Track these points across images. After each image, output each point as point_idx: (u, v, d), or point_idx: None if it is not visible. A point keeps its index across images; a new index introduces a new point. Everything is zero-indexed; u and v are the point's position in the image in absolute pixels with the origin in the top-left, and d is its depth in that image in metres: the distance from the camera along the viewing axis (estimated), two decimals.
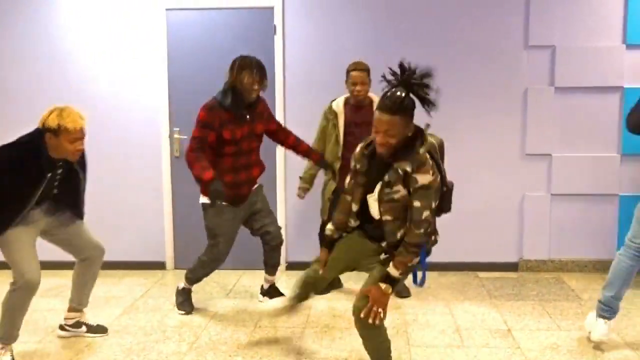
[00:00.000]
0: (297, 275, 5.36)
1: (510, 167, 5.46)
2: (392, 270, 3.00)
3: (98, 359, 3.81)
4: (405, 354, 3.81)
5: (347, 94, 4.76)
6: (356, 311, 3.03)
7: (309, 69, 5.52)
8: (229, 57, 5.41)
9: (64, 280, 5.31)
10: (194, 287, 4.65)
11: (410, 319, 4.40)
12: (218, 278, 5.39)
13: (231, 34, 5.52)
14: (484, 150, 5.46)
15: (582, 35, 5.32)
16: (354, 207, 3.22)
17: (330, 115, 4.77)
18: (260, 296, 4.79)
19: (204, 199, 4.30)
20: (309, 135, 4.95)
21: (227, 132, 4.16)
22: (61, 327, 4.19)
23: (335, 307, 4.68)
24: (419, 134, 2.98)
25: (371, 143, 3.08)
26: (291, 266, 5.64)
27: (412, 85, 2.89)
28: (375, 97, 4.73)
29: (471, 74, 5.42)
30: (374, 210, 3.09)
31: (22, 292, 3.62)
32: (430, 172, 2.91)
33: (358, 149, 3.17)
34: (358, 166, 3.14)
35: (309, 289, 3.51)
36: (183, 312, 4.54)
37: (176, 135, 5.58)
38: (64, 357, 3.82)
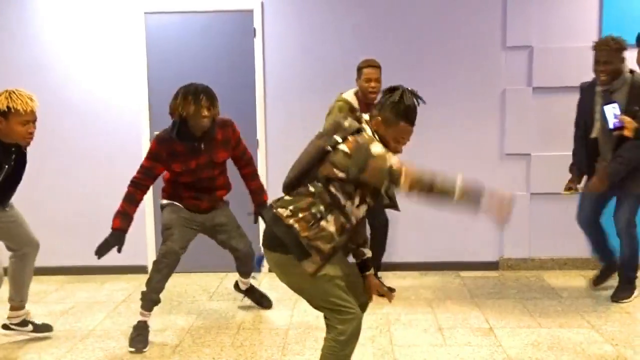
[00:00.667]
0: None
1: (490, 167, 5.50)
2: (369, 253, 3.07)
3: None
4: (389, 354, 3.83)
5: (353, 90, 4.65)
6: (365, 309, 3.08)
7: (289, 70, 5.53)
8: (209, 60, 5.48)
9: (44, 286, 5.29)
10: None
11: (393, 318, 4.42)
12: (200, 281, 5.39)
13: (211, 37, 5.52)
14: (463, 150, 5.50)
15: (559, 35, 5.39)
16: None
17: (346, 109, 4.47)
18: (235, 291, 4.80)
19: (162, 201, 4.29)
20: (289, 137, 4.96)
21: (177, 165, 4.04)
22: (5, 327, 4.07)
23: None
24: None
25: None
26: None
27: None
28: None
29: (450, 75, 5.47)
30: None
31: (25, 257, 3.80)
32: None
33: None
34: None
35: None
36: (133, 350, 3.95)
37: None
38: (49, 358, 3.81)
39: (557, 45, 5.38)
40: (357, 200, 2.80)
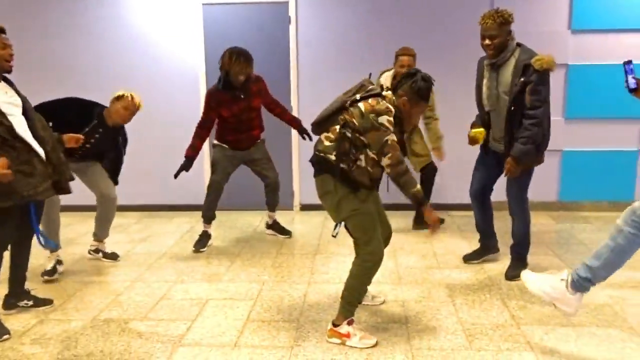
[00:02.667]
0: (309, 215, 5.48)
1: None
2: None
3: (156, 277, 3.89)
4: (395, 273, 3.88)
5: (391, 71, 4.65)
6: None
7: (320, 53, 5.47)
8: (252, 42, 5.42)
9: (127, 220, 5.40)
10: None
11: (398, 247, 4.46)
12: (247, 217, 5.45)
13: (254, 24, 5.46)
14: (454, 116, 5.43)
15: (536, 21, 5.25)
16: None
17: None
18: (267, 230, 4.87)
19: (214, 141, 4.46)
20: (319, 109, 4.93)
21: (225, 111, 4.22)
22: (89, 252, 4.31)
23: (339, 238, 4.72)
24: None
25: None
26: (304, 207, 5.70)
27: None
28: None
29: (449, 53, 5.37)
30: None
31: (101, 205, 4.05)
32: None
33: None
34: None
35: None
36: (194, 249, 4.42)
37: None
38: (131, 277, 3.92)
39: (535, 29, 5.24)
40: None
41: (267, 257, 4.30)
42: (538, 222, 5.11)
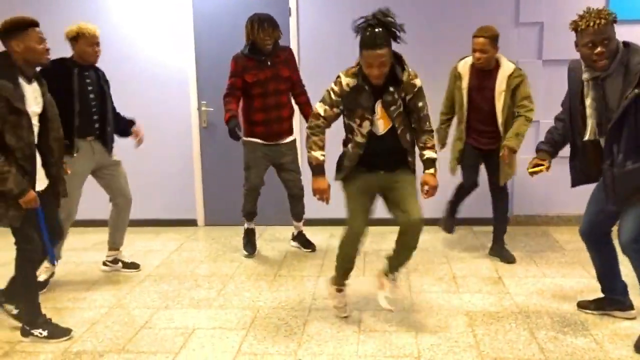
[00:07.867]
0: (312, 231, 5.43)
1: None
2: (431, 154, 3.30)
3: (137, 303, 3.86)
4: (407, 299, 3.82)
5: (470, 58, 4.29)
6: (417, 222, 3.24)
7: (322, 47, 5.44)
8: None
9: (106, 236, 5.37)
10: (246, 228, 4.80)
11: (412, 268, 4.40)
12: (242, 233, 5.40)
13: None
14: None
15: (568, 12, 5.18)
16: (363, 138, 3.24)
17: (455, 77, 4.33)
18: (292, 242, 5.00)
19: (243, 138, 4.50)
20: None
21: (249, 76, 4.33)
22: (103, 263, 4.49)
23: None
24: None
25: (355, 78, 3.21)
26: (307, 222, 5.62)
27: (384, 22, 3.06)
28: (503, 59, 4.22)
29: (468, 51, 5.31)
30: (380, 127, 3.21)
31: (119, 208, 4.32)
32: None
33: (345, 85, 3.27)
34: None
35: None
36: (246, 254, 4.70)
37: (204, 108, 5.55)
38: (110, 302, 3.88)
39: (566, 21, 5.16)
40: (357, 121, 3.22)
41: (264, 279, 4.26)
42: (573, 238, 5.01)
